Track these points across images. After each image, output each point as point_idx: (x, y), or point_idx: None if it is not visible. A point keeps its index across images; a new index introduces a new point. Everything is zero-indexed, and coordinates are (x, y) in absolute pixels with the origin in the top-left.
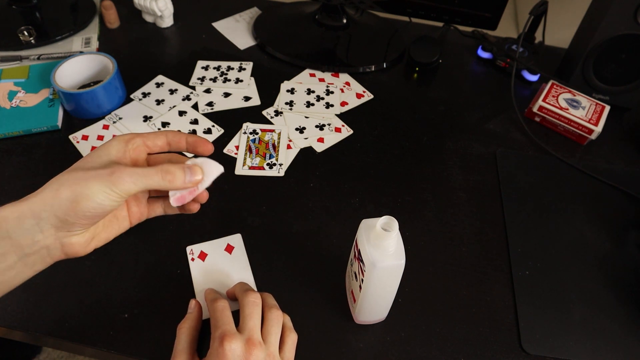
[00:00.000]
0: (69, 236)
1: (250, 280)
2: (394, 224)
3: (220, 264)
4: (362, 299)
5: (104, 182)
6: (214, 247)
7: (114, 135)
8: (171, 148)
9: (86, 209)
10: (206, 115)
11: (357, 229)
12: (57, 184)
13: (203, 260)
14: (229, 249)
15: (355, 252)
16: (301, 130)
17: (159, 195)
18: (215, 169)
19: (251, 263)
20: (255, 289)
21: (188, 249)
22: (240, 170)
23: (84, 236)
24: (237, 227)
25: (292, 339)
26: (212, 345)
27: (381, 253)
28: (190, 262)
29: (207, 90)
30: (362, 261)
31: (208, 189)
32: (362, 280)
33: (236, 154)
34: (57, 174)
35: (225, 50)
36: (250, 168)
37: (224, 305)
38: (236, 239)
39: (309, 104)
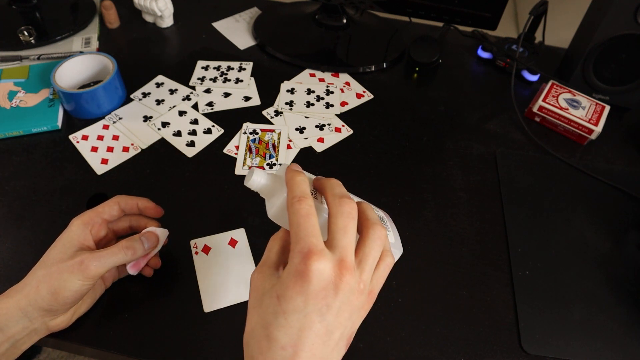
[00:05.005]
0: (54, 319)
1: None
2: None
3: (223, 257)
4: None
5: (76, 273)
6: (217, 241)
7: (72, 220)
8: (127, 212)
9: (65, 297)
10: (206, 115)
11: None
12: (36, 281)
13: (207, 254)
14: (233, 243)
15: None
16: (301, 130)
17: None
18: (162, 234)
19: None
20: None
21: (192, 242)
22: (240, 170)
23: (66, 315)
24: (238, 227)
25: (387, 263)
26: (291, 261)
27: None
28: (194, 255)
29: (207, 90)
30: None
31: (207, 189)
32: None
33: (236, 154)
34: (39, 261)
35: (225, 50)
36: (250, 168)
37: (309, 210)
38: (240, 234)
39: (309, 104)
